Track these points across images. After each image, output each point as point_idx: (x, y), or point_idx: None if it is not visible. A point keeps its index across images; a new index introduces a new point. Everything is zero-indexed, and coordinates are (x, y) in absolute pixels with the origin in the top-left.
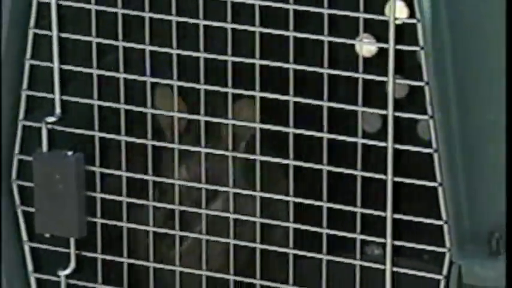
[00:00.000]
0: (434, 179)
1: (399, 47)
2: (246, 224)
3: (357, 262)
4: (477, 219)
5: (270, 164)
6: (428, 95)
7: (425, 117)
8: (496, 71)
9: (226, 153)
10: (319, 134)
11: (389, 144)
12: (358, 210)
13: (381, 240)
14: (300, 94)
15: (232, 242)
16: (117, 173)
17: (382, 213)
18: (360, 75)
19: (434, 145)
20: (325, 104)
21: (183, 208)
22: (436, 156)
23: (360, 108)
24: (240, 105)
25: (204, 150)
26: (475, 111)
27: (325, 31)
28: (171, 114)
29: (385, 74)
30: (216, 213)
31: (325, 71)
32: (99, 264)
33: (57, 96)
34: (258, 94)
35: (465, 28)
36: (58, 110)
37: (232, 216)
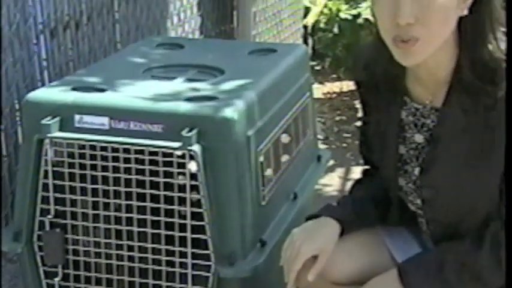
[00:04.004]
0: (204, 233)
1: (192, 182)
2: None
3: (177, 270)
4: (224, 248)
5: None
6: (206, 203)
7: (201, 210)
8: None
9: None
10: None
11: (188, 221)
12: (175, 249)
13: (185, 260)
14: (156, 203)
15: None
16: (76, 237)
17: (184, 249)
18: (175, 194)
19: (206, 219)
20: (162, 206)
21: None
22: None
23: (176, 207)
24: None
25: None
26: (221, 200)
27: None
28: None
29: (184, 192)
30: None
31: (161, 193)
32: (71, 276)
33: (52, 207)
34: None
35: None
36: (52, 213)
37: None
